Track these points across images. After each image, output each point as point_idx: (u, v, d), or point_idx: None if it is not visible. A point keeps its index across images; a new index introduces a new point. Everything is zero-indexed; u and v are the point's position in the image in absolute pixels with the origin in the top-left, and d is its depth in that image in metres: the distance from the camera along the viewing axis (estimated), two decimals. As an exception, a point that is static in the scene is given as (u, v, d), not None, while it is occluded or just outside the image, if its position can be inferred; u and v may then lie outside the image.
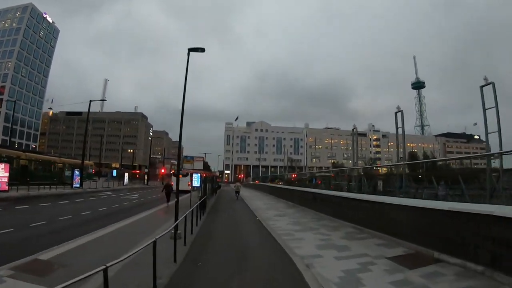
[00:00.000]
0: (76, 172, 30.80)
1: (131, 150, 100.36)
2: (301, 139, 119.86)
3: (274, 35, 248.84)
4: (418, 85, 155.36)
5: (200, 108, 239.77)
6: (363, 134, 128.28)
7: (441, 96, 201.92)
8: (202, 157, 20.69)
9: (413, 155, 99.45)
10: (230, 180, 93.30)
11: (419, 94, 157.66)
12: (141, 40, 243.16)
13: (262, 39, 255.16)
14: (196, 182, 18.45)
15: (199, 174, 19.11)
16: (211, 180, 29.66)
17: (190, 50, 9.86)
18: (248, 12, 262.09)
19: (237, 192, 28.83)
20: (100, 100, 56.90)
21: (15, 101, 56.23)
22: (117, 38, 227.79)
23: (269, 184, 40.38)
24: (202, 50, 9.92)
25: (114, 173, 57.65)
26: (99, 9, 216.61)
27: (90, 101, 31.48)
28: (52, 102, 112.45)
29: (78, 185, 30.69)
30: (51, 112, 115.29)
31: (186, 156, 23.73)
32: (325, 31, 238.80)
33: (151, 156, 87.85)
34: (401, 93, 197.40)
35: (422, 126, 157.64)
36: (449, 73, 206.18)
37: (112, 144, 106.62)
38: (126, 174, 45.56)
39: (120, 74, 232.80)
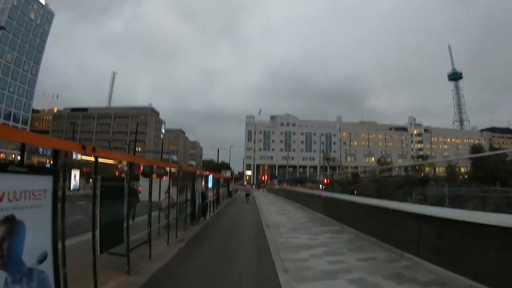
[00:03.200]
0: None
1: (139, 149, 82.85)
2: (334, 135, 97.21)
3: (284, 34, 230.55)
4: (455, 76, 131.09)
5: (216, 109, 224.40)
6: (403, 129, 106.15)
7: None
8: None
9: (478, 149, 77.89)
10: (253, 182, 73.08)
11: (456, 86, 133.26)
12: (153, 43, 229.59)
13: (272, 38, 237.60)
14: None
15: None
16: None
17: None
18: (257, 12, 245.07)
19: (247, 195, 26.35)
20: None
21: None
22: (129, 42, 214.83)
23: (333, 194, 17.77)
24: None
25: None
26: (109, 13, 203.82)
27: None
28: (57, 98, 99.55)
29: None
30: (55, 109, 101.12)
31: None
32: (336, 28, 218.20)
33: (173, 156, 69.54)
34: (423, 91, 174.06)
35: (461, 121, 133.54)
36: (472, 67, 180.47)
37: (119, 142, 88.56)
38: (76, 173, 22.06)
39: (135, 77, 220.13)
